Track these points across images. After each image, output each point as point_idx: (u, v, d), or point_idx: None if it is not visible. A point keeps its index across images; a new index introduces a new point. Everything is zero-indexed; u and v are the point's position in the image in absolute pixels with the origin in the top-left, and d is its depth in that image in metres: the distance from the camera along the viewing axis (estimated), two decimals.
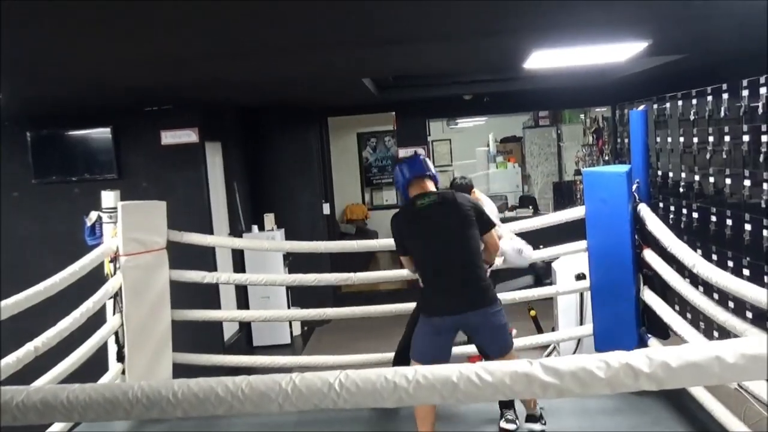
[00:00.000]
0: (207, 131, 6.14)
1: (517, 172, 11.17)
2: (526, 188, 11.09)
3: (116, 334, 4.31)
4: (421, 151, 3.70)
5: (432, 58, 4.34)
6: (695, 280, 4.61)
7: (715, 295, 4.38)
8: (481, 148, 11.50)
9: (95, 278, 4.17)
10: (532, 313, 5.73)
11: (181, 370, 4.70)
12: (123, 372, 4.31)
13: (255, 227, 6.97)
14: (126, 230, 4.27)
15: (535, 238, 4.46)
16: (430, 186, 3.60)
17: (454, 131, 11.62)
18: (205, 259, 5.65)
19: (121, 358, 4.32)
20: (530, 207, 9.53)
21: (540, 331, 5.53)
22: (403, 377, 1.35)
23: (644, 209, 4.26)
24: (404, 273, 5.36)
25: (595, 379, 1.33)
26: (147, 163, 6.00)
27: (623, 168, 4.37)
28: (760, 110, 4.35)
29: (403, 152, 8.30)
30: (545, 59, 4.11)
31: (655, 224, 4.18)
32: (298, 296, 6.87)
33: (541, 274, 5.51)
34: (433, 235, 3.47)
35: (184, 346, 4.73)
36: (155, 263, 4.43)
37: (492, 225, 3.66)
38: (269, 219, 7.02)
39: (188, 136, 5.81)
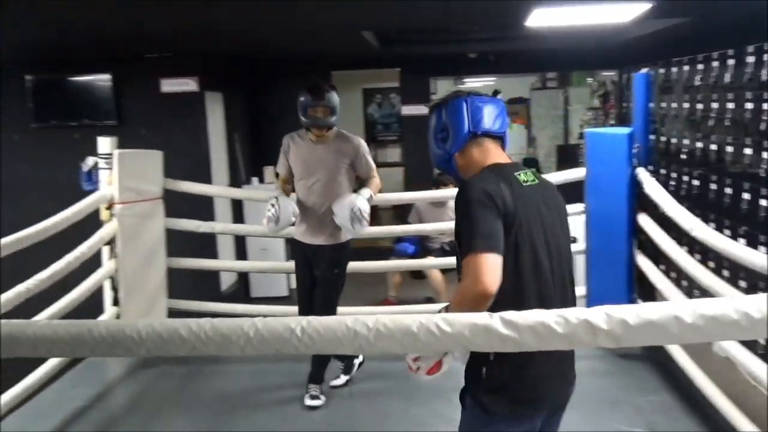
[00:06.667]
0: (208, 81, 6.10)
1: (523, 134, 11.10)
2: (531, 150, 11.02)
3: (112, 279, 4.37)
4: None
5: (431, 13, 4.27)
6: (693, 246, 4.62)
7: (711, 263, 4.39)
8: None
9: (95, 223, 4.21)
10: None
11: (178, 317, 4.76)
12: (118, 316, 4.37)
13: (255, 179, 6.97)
14: (122, 179, 4.29)
15: None
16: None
17: None
18: (205, 209, 5.69)
19: (116, 302, 4.39)
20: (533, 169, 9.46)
21: None
22: (364, 326, 1.37)
23: (642, 173, 4.24)
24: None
25: (554, 334, 1.34)
26: (147, 111, 5.99)
27: (625, 130, 4.34)
28: (764, 77, 4.28)
29: (407, 110, 8.23)
30: (547, 17, 4.05)
31: (653, 188, 4.16)
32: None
33: None
34: (544, 235, 1.93)
35: (182, 293, 4.78)
36: (150, 212, 4.46)
37: None
38: (269, 171, 7.02)
39: (187, 84, 5.78)
